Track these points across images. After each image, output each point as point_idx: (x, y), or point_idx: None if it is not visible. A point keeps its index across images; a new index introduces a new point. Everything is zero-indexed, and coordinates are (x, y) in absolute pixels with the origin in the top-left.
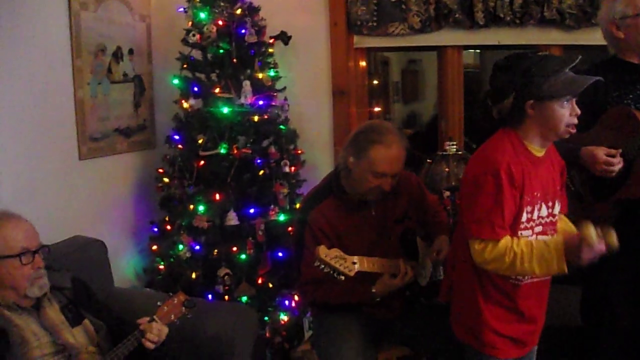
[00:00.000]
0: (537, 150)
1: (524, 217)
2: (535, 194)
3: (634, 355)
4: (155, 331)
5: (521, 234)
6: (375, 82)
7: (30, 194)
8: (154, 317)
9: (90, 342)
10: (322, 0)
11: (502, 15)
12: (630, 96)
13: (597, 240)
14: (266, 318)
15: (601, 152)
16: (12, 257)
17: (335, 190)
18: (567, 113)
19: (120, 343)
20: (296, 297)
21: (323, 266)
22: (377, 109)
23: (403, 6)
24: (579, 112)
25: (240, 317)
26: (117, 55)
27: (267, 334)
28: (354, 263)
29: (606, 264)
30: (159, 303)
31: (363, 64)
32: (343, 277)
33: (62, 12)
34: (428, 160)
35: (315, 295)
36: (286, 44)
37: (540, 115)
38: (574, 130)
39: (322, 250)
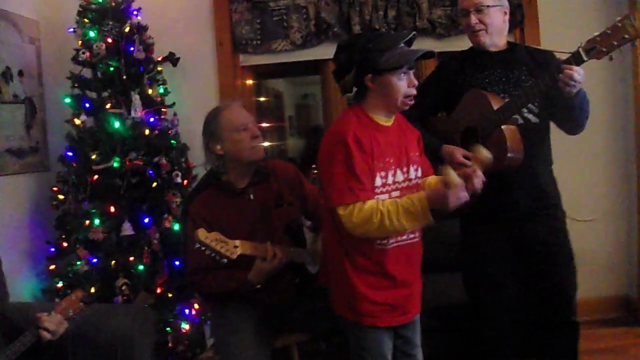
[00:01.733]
0: (383, 120)
1: (378, 181)
2: (388, 160)
3: (521, 323)
4: (53, 322)
5: (378, 198)
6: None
7: None
8: (52, 311)
9: None
10: (208, 21)
11: (377, 27)
12: (487, 80)
13: (459, 180)
14: (168, 329)
15: (459, 153)
16: None
17: (214, 182)
18: (404, 84)
19: (17, 340)
20: (196, 306)
21: (204, 248)
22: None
23: (285, 24)
24: (416, 83)
25: (138, 318)
26: (6, 76)
27: (170, 344)
28: (236, 247)
29: (480, 236)
30: (56, 300)
31: (249, 82)
32: (225, 260)
33: None
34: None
35: (202, 284)
36: (174, 65)
37: (379, 88)
38: (412, 102)
39: (202, 233)
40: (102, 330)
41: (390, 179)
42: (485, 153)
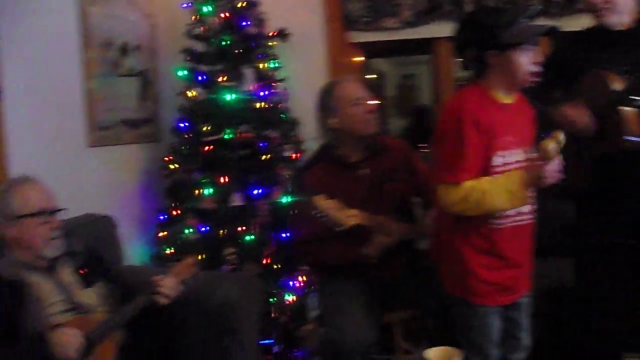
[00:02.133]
0: (504, 97)
1: (499, 160)
2: (509, 139)
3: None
4: (169, 285)
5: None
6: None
7: (41, 178)
8: (167, 275)
9: (102, 303)
10: None
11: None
12: (608, 60)
13: (554, 153)
14: (272, 299)
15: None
16: (30, 217)
17: (327, 155)
18: (527, 61)
19: (132, 300)
20: (301, 278)
21: (320, 214)
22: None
23: (395, 1)
24: (540, 59)
25: (246, 286)
26: (124, 50)
27: (273, 315)
28: (352, 216)
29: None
30: (171, 264)
31: (358, 58)
32: (341, 228)
33: (72, 6)
34: (424, 149)
35: (312, 255)
36: (285, 40)
37: (501, 65)
38: (535, 79)
39: (320, 199)
40: (211, 296)
41: (510, 158)
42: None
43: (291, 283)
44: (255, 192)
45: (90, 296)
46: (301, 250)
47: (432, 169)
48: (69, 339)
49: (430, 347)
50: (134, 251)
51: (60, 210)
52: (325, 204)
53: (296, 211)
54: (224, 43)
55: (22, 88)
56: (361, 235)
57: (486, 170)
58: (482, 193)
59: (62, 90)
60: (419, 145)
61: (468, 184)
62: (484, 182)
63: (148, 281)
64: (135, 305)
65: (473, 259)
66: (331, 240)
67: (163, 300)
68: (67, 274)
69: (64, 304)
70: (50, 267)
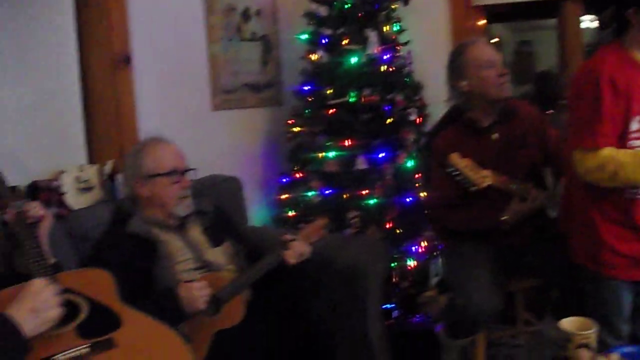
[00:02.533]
0: None
1: (636, 126)
2: None
3: None
4: (298, 248)
5: (631, 144)
6: None
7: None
8: (297, 236)
9: (230, 262)
10: None
11: None
12: None
13: None
14: (393, 264)
15: None
16: (162, 176)
17: (457, 118)
18: None
19: (261, 260)
20: (423, 243)
21: (456, 173)
22: None
23: None
24: None
25: (372, 249)
26: (245, 16)
27: (394, 279)
28: (485, 176)
29: None
30: (301, 225)
31: (482, 22)
32: (474, 188)
33: None
34: (549, 112)
35: (445, 220)
36: (406, 3)
37: None
38: None
39: (455, 157)
40: (338, 258)
41: None
42: None
43: (413, 248)
44: (381, 155)
45: (218, 255)
46: (431, 215)
47: (563, 135)
48: (197, 292)
49: (554, 319)
50: (255, 213)
51: (190, 170)
52: (460, 162)
53: (426, 174)
54: (346, 6)
55: (149, 54)
56: (496, 200)
57: (623, 136)
58: (620, 165)
59: (188, 55)
60: (544, 111)
61: (606, 152)
62: (624, 154)
63: (277, 242)
64: (264, 264)
65: (606, 230)
66: (464, 204)
67: (292, 261)
68: (196, 232)
69: (194, 262)
70: (180, 226)
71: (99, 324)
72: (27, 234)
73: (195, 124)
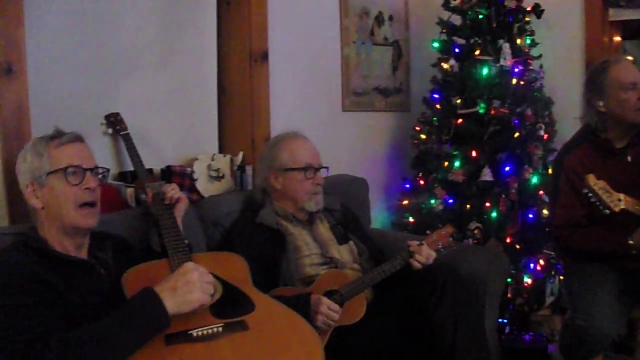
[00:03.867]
0: None
1: None
2: None
3: None
4: (424, 253)
5: None
6: None
7: None
8: (423, 241)
9: (354, 260)
10: None
11: None
12: None
13: None
14: (509, 279)
15: None
16: (296, 170)
17: (591, 137)
18: None
19: (386, 262)
20: (541, 262)
21: (591, 195)
22: None
23: None
24: None
25: (494, 261)
26: (379, 20)
27: (509, 295)
28: (619, 200)
29: None
30: (428, 232)
31: (618, 38)
32: (608, 211)
33: None
34: None
35: (571, 240)
36: (539, 17)
37: None
38: None
39: (592, 179)
40: (461, 266)
41: None
42: None
43: (531, 265)
44: (507, 168)
45: (343, 252)
46: (555, 233)
47: None
48: (325, 311)
49: None
50: (376, 216)
51: (324, 167)
52: (596, 184)
53: (553, 191)
54: (480, 16)
55: (285, 52)
56: (624, 222)
57: None
58: None
59: (321, 56)
60: None
61: None
62: None
63: (404, 246)
64: (389, 266)
65: None
66: (590, 224)
67: (416, 266)
68: (323, 229)
69: (319, 257)
70: (309, 221)
71: (232, 306)
72: (164, 214)
73: (325, 123)
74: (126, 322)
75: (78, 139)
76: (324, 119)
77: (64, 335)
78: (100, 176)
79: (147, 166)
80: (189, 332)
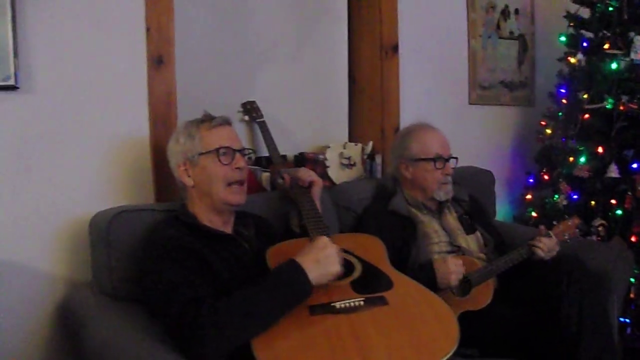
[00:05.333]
0: None
1: None
2: None
3: None
4: (548, 243)
5: None
6: None
7: None
8: (549, 232)
9: (480, 250)
10: None
11: None
12: None
13: None
14: (632, 279)
15: None
16: (427, 160)
17: None
18: None
19: (513, 251)
20: None
21: None
22: None
23: None
24: None
25: (619, 258)
26: (505, 13)
27: (631, 295)
28: None
29: None
30: (554, 222)
31: None
32: None
33: None
34: None
35: None
36: None
37: None
38: None
39: None
40: (587, 260)
41: None
42: None
43: None
44: (634, 165)
45: (470, 242)
46: None
47: None
48: (453, 267)
49: None
50: (499, 208)
51: (453, 158)
52: None
53: None
54: (610, 8)
55: (414, 45)
56: None
57: None
58: None
59: (449, 49)
60: None
61: None
62: None
63: (527, 239)
64: (515, 256)
65: None
66: None
67: (541, 255)
68: (451, 218)
69: (447, 245)
70: (438, 210)
71: (371, 282)
72: (303, 197)
73: (452, 115)
74: (272, 290)
75: (227, 122)
76: (451, 112)
77: (214, 301)
78: (247, 157)
79: (282, 153)
80: (332, 304)
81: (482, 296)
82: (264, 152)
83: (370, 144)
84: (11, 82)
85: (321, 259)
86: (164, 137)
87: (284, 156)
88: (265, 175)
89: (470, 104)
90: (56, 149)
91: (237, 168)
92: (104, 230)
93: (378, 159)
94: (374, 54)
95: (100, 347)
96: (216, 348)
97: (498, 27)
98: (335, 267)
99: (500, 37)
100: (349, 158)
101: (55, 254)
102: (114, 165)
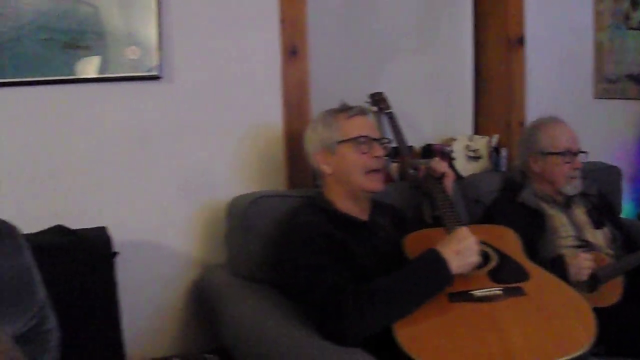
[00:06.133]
0: None
1: None
2: None
3: None
4: None
5: None
6: None
7: None
8: None
9: (608, 246)
10: None
11: None
12: None
13: None
14: None
15: None
16: (556, 154)
17: None
18: None
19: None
20: None
21: None
22: None
23: None
24: None
25: None
26: (635, 3)
27: None
28: None
29: None
30: None
31: None
32: None
33: None
34: None
35: None
36: None
37: None
38: None
39: None
40: None
41: None
42: None
43: None
44: None
45: (598, 237)
46: None
47: None
48: (585, 263)
49: None
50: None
51: (582, 152)
52: None
53: None
54: None
55: (541, 37)
56: None
57: None
58: None
59: (574, 41)
60: None
61: None
62: None
63: None
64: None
65: None
66: None
67: None
68: (580, 212)
69: (575, 240)
70: (566, 204)
71: (508, 273)
72: (437, 188)
73: (577, 109)
74: (414, 279)
75: (364, 112)
76: (576, 105)
77: (357, 287)
78: (384, 146)
79: (409, 144)
80: (470, 292)
81: (611, 293)
82: (392, 143)
83: (496, 137)
84: (155, 72)
85: (462, 250)
86: (297, 125)
87: (411, 147)
88: (394, 166)
89: (595, 98)
90: (195, 135)
91: (375, 157)
92: (243, 215)
93: (503, 153)
94: (499, 47)
95: (238, 325)
96: (357, 332)
97: (627, 17)
98: (475, 258)
99: (630, 28)
100: (475, 150)
101: (191, 236)
102: (249, 152)
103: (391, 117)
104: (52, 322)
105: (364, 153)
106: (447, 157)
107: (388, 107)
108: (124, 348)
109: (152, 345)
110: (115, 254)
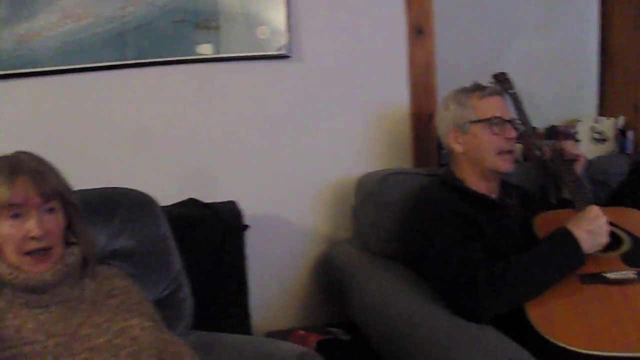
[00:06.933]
0: None
1: None
2: None
3: None
4: None
5: None
6: None
7: None
8: None
9: None
10: None
11: None
12: None
13: None
14: None
15: None
16: None
17: None
18: None
19: None
20: None
21: None
22: None
23: None
24: None
25: None
26: None
27: None
28: None
29: None
30: None
31: None
32: None
33: None
34: None
35: None
36: None
37: None
38: None
39: None
40: None
41: None
42: None
43: None
44: None
45: None
46: None
47: None
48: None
49: None
50: None
51: None
52: None
53: None
54: None
55: None
56: None
57: None
58: None
59: None
60: None
61: None
62: None
63: None
64: None
65: None
66: None
67: None
68: None
69: None
70: None
71: None
72: (566, 169)
73: None
74: (547, 258)
75: (498, 92)
76: None
77: (490, 263)
78: (516, 128)
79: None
80: (603, 274)
81: None
82: None
83: (622, 118)
84: (284, 51)
85: (593, 229)
86: (423, 105)
87: (534, 128)
88: (518, 147)
89: None
90: (323, 113)
91: (507, 138)
92: (373, 191)
93: (630, 135)
94: (628, 25)
95: (368, 299)
96: (489, 310)
97: None
98: (604, 238)
99: None
100: (601, 133)
101: (318, 212)
102: (375, 131)
103: (515, 98)
104: (186, 290)
105: (496, 134)
106: (572, 138)
107: (512, 88)
108: (250, 318)
109: (276, 317)
110: (246, 226)
